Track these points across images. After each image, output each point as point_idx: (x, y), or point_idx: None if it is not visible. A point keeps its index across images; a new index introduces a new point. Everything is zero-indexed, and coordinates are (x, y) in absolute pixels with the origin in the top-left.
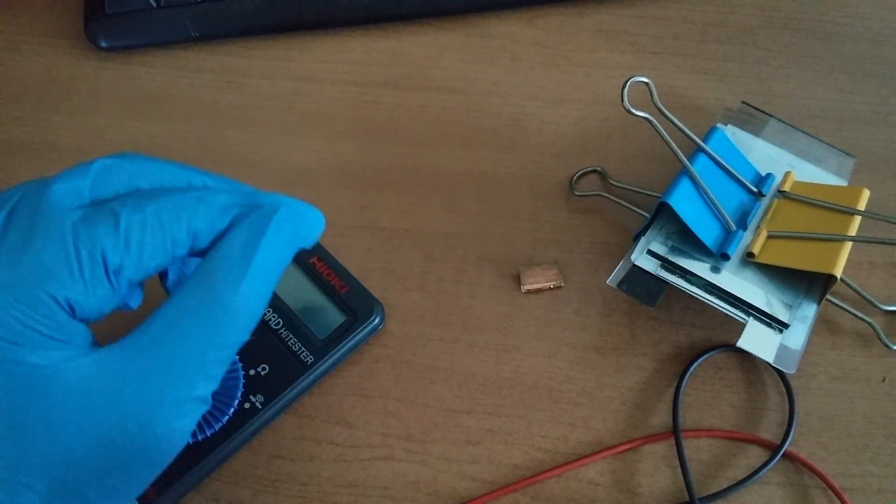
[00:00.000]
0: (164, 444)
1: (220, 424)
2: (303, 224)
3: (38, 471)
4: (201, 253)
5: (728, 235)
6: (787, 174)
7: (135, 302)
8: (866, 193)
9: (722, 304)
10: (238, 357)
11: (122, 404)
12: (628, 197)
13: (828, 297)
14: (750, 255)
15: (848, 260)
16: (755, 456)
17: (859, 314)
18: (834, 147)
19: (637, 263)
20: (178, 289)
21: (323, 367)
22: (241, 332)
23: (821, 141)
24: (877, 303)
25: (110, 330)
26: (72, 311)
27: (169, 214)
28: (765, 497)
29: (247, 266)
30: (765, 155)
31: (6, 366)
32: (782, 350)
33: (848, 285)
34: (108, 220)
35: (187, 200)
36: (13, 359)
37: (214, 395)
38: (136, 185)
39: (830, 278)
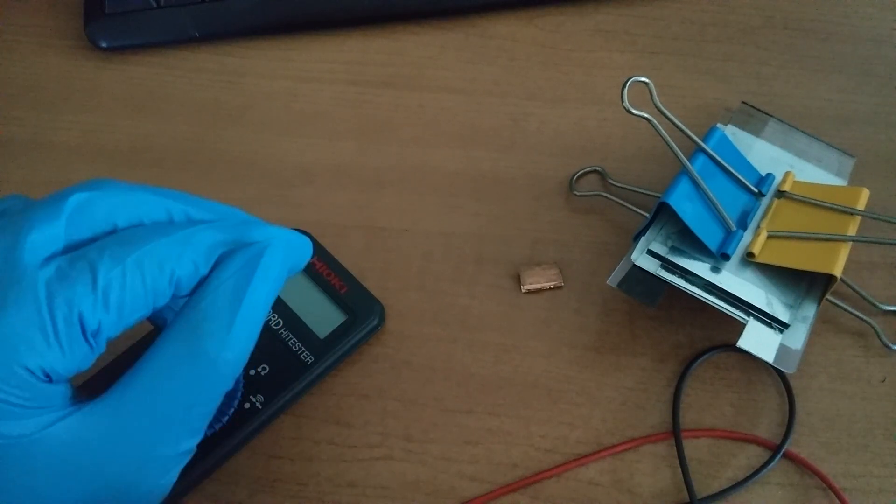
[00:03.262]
0: (149, 497)
1: (221, 425)
2: (291, 257)
3: None
4: (183, 296)
5: (728, 235)
6: (787, 174)
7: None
8: (866, 193)
9: (722, 304)
10: None
11: (107, 466)
12: (628, 197)
13: (828, 297)
14: (750, 255)
15: (848, 260)
16: (755, 456)
17: (859, 314)
18: (834, 147)
19: (637, 263)
20: (161, 339)
21: (323, 367)
22: (227, 382)
23: (821, 141)
24: (877, 303)
25: None
26: (48, 378)
27: (151, 264)
28: (765, 497)
29: (235, 315)
30: (765, 155)
31: None
32: (782, 350)
33: (848, 285)
34: (85, 277)
35: (171, 245)
36: None
37: None
38: (113, 222)
39: (830, 278)
